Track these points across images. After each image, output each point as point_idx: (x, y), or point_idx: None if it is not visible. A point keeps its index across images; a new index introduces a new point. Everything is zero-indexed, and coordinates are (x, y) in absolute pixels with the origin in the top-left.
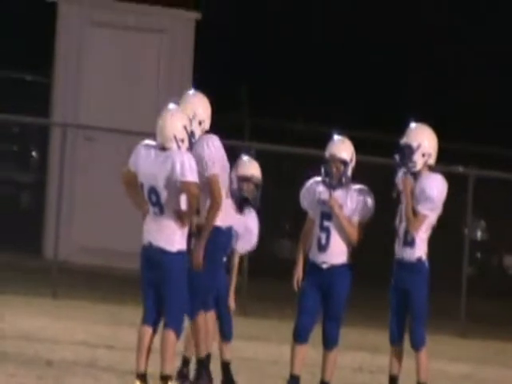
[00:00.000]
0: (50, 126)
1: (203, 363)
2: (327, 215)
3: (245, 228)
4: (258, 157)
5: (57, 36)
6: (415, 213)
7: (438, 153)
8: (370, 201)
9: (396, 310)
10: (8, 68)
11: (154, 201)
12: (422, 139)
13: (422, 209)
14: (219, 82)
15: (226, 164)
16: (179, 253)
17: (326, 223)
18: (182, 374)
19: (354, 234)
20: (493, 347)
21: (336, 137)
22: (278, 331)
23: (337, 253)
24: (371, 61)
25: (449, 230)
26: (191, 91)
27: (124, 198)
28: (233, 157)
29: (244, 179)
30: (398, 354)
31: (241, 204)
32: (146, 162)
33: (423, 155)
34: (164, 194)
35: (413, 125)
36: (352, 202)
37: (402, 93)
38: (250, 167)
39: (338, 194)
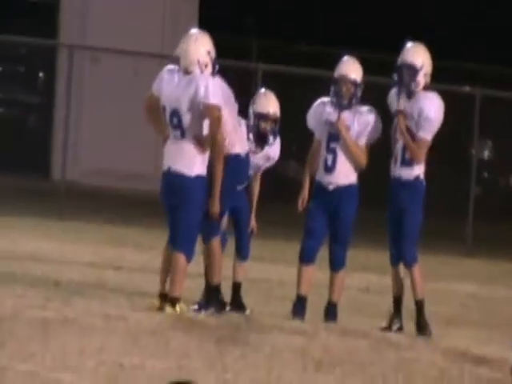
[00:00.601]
0: (57, 47)
1: (216, 289)
2: (334, 136)
3: (267, 159)
4: (266, 78)
5: None
6: (416, 139)
7: (446, 72)
8: (377, 122)
9: (393, 232)
10: None
11: (175, 124)
12: (424, 58)
13: (424, 135)
14: (226, 4)
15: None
16: (198, 177)
17: (333, 144)
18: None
19: (360, 156)
20: (499, 267)
21: (346, 57)
22: (284, 252)
23: (343, 174)
24: None
25: (456, 150)
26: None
27: (131, 120)
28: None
29: (261, 117)
30: (400, 275)
31: (260, 140)
32: (169, 85)
33: (425, 75)
34: (186, 118)
35: (410, 44)
36: (359, 123)
37: (409, 13)
38: (268, 104)
39: (346, 115)
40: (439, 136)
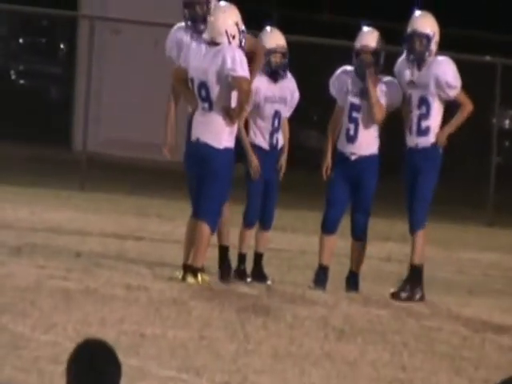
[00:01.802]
0: (78, 18)
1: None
2: (356, 106)
3: (289, 92)
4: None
5: None
6: (451, 100)
7: (466, 42)
8: (398, 92)
9: (411, 201)
10: None
11: (203, 96)
12: (435, 27)
13: (455, 92)
14: None
15: None
16: (225, 150)
17: (355, 114)
18: (240, 272)
19: (379, 111)
20: None
21: (365, 28)
22: (306, 222)
23: (365, 144)
24: None
25: (477, 119)
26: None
27: (152, 91)
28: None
29: (270, 52)
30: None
31: (273, 75)
32: (196, 56)
33: (435, 43)
34: (214, 89)
35: (419, 12)
36: (381, 92)
37: None
38: (273, 38)
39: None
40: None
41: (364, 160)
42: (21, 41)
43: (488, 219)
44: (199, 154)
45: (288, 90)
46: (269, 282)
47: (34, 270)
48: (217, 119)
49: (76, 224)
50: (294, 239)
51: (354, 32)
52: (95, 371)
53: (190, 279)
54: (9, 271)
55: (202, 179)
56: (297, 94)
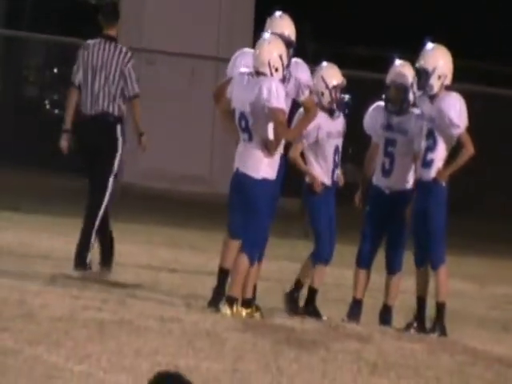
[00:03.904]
0: None
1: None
2: (391, 141)
3: (344, 125)
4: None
5: None
6: (454, 138)
7: (498, 75)
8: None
9: (417, 233)
10: None
11: (243, 127)
12: (437, 61)
13: (458, 130)
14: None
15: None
16: (264, 180)
17: (390, 149)
18: (292, 298)
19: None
20: None
21: (397, 61)
22: (340, 255)
23: (400, 178)
24: None
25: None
26: (278, 13)
27: (186, 122)
28: None
29: (334, 88)
30: (426, 276)
31: (332, 111)
32: (239, 87)
33: (439, 77)
34: (252, 120)
35: (428, 46)
36: (416, 126)
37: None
38: (333, 75)
39: (399, 119)
40: (492, 140)
41: (399, 194)
42: (55, 71)
43: None
44: (239, 184)
45: (343, 124)
46: (324, 318)
47: (68, 301)
48: (256, 150)
49: None
50: (328, 272)
51: (387, 65)
52: None
53: (225, 308)
54: (43, 301)
55: (243, 210)
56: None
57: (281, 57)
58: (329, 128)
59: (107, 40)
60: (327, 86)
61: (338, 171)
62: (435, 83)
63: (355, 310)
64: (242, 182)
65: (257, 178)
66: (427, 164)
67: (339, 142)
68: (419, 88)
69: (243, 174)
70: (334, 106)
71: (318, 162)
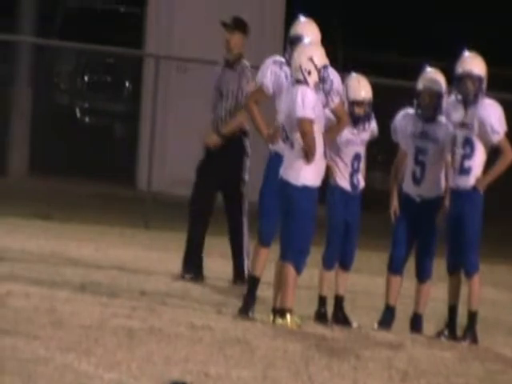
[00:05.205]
0: (144, 57)
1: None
2: (422, 150)
3: (370, 134)
4: None
5: None
6: (494, 145)
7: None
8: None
9: (452, 240)
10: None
11: (284, 135)
12: (483, 68)
13: (498, 137)
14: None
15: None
16: (304, 187)
17: (421, 157)
18: (321, 315)
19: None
20: None
21: (428, 68)
22: (370, 263)
23: (431, 186)
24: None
25: None
26: (301, 18)
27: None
28: None
29: (355, 103)
30: (458, 284)
31: (356, 123)
32: (283, 97)
33: (484, 83)
34: (288, 129)
35: (469, 54)
36: (447, 134)
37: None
38: (361, 89)
39: (431, 126)
40: None
41: (430, 201)
42: (86, 79)
43: None
44: (282, 191)
45: (370, 133)
46: (355, 325)
47: (98, 308)
48: (297, 158)
49: (140, 262)
50: (357, 280)
51: (417, 73)
52: None
53: (279, 320)
54: (73, 309)
55: (285, 218)
56: (376, 134)
57: (311, 59)
58: (350, 136)
59: None
60: (348, 99)
61: (359, 176)
62: (484, 90)
63: (388, 316)
64: (284, 190)
65: (297, 185)
66: (465, 172)
67: (361, 149)
68: (466, 94)
69: (285, 181)
70: (355, 119)
71: (337, 163)
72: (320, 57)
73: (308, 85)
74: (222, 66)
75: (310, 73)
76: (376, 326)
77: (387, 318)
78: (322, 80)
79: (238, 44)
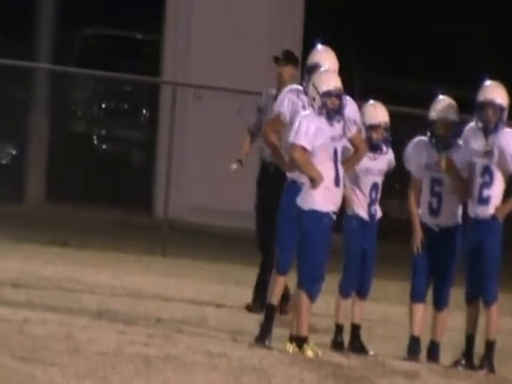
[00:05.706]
0: (161, 84)
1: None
2: (438, 181)
3: (388, 164)
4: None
5: None
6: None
7: None
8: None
9: (471, 269)
10: (119, 27)
11: None
12: (506, 97)
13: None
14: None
15: None
16: (313, 212)
17: (437, 188)
18: (337, 343)
19: (465, 189)
20: None
21: (441, 96)
22: (386, 291)
23: (448, 215)
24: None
25: None
26: (319, 46)
27: (233, 157)
28: None
29: (372, 127)
30: (476, 313)
31: (373, 149)
32: None
33: (505, 113)
34: None
35: (490, 82)
36: (464, 161)
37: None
38: (377, 114)
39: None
40: None
41: (447, 231)
42: (103, 106)
43: None
44: (297, 217)
45: (387, 162)
46: (371, 353)
47: (114, 335)
48: (306, 182)
49: (157, 289)
50: (374, 308)
51: (430, 101)
52: None
53: (295, 349)
54: (90, 336)
55: (299, 245)
56: (393, 164)
57: (313, 85)
58: (368, 164)
59: None
60: (365, 125)
61: (377, 206)
62: (505, 118)
63: (414, 347)
64: (298, 215)
65: (305, 210)
66: (484, 201)
67: (379, 179)
68: (488, 123)
69: (298, 206)
70: (373, 144)
71: (355, 192)
72: (326, 83)
73: (314, 111)
74: (272, 97)
75: (314, 99)
76: (405, 356)
77: (414, 349)
78: (339, 108)
79: (291, 77)
